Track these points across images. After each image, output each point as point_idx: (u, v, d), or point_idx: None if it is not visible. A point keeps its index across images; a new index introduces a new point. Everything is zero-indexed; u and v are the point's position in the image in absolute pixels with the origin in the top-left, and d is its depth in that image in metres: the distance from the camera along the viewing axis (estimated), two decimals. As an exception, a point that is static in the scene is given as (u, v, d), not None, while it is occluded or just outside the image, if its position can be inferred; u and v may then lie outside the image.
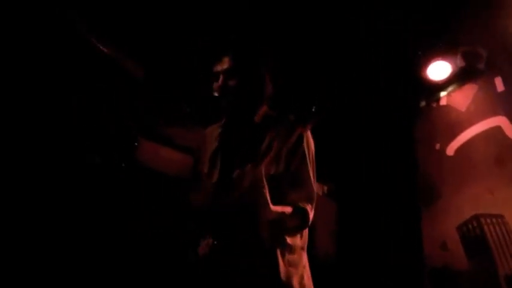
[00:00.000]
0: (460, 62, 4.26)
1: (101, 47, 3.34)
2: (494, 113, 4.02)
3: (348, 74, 4.26)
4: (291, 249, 2.06)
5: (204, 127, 2.46)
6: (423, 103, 4.69)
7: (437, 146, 4.42)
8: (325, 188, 4.88)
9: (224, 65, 2.22)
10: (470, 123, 4.20)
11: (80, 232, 3.03)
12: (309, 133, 2.23)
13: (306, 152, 2.17)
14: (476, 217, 3.57)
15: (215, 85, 2.23)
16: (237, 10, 3.67)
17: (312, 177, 2.17)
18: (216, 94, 2.21)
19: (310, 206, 2.10)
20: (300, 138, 2.14)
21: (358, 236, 4.79)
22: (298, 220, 2.08)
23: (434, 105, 4.60)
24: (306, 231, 2.18)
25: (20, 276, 2.73)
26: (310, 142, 2.22)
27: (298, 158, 2.16)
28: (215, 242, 2.00)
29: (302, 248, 2.14)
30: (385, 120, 4.70)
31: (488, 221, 3.57)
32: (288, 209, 2.02)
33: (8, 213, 2.77)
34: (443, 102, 4.54)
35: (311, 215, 2.10)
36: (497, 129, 3.95)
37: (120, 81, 3.43)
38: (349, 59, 4.17)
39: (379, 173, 4.77)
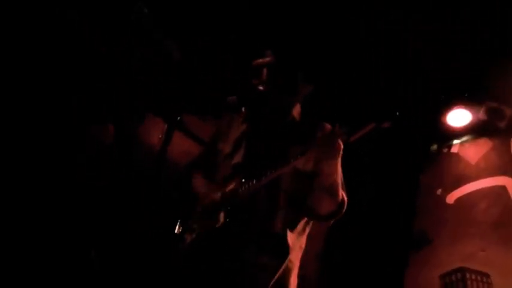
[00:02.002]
0: (482, 116, 4.21)
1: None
2: (503, 173, 4.00)
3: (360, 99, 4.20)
4: (296, 244, 2.13)
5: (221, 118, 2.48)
6: (434, 146, 4.65)
7: (439, 192, 4.36)
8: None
9: (266, 59, 2.24)
10: (477, 177, 4.16)
11: (79, 230, 3.03)
12: None
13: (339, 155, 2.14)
14: (462, 270, 3.52)
15: (258, 79, 2.23)
16: (237, 10, 3.65)
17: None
18: (260, 88, 2.21)
19: (344, 199, 2.13)
20: (337, 143, 2.07)
21: (342, 265, 4.70)
22: (334, 205, 2.09)
23: (445, 150, 4.56)
24: (304, 237, 2.21)
25: (22, 274, 2.74)
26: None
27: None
28: (227, 220, 2.01)
29: (301, 248, 2.19)
30: (391, 155, 4.63)
31: (473, 277, 3.50)
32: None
33: (8, 211, 2.81)
34: (454, 150, 4.49)
35: (345, 205, 2.12)
36: (502, 189, 3.93)
37: (120, 81, 3.42)
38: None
39: (374, 206, 4.69)
